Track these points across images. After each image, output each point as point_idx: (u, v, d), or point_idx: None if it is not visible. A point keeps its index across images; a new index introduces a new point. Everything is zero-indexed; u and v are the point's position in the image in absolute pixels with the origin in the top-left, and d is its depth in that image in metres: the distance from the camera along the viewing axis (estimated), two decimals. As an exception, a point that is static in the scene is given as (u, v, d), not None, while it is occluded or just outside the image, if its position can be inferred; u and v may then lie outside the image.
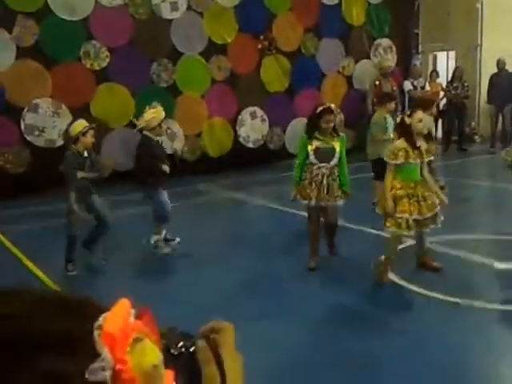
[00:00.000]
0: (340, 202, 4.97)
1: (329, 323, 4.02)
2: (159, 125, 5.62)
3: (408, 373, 3.27)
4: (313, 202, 4.87)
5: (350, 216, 5.91)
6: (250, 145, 10.72)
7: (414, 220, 4.50)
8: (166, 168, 5.53)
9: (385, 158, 4.69)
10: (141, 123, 5.64)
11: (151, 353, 0.56)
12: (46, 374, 0.49)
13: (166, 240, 5.78)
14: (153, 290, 4.54)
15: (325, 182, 4.83)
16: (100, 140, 8.98)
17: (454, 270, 4.90)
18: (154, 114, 5.59)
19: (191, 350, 0.68)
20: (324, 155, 4.86)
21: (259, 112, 10.73)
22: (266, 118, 10.81)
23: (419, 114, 4.66)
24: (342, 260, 5.19)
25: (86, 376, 0.50)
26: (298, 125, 10.89)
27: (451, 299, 4.26)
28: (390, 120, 7.38)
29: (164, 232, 5.77)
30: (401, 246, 5.44)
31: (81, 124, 5.18)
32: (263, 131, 10.84)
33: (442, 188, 4.81)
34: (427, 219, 4.58)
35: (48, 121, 8.68)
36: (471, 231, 5.82)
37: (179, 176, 5.75)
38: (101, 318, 0.54)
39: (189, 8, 9.84)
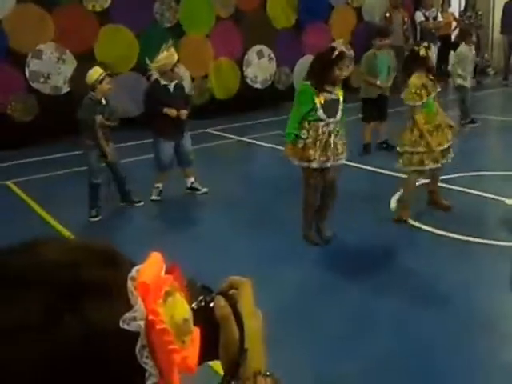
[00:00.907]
0: (343, 160, 4.36)
1: (337, 263, 4.08)
2: (171, 69, 5.46)
3: (419, 313, 3.34)
4: (315, 164, 4.19)
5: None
6: (258, 85, 10.55)
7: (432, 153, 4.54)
8: (168, 111, 5.35)
9: (406, 102, 4.59)
10: (152, 67, 5.52)
11: (182, 307, 0.58)
12: (89, 319, 0.50)
13: (191, 189, 5.79)
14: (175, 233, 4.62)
15: (331, 139, 4.17)
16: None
17: (465, 208, 4.91)
18: (166, 58, 5.47)
19: (211, 305, 0.68)
20: (331, 108, 4.17)
21: (266, 51, 10.49)
22: (274, 57, 10.58)
23: (415, 78, 4.57)
24: (348, 196, 5.18)
25: (120, 325, 0.51)
26: (307, 63, 10.68)
27: (463, 237, 4.29)
28: (381, 57, 7.13)
29: (191, 180, 5.77)
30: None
31: (96, 71, 5.15)
32: (271, 71, 10.64)
33: (450, 127, 4.73)
34: (444, 151, 4.61)
35: (53, 67, 8.56)
36: (482, 168, 5.78)
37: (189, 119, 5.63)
38: (134, 270, 0.55)
39: None
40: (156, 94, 5.48)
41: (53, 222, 5.16)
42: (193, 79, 9.59)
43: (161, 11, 9.39)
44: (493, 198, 5.06)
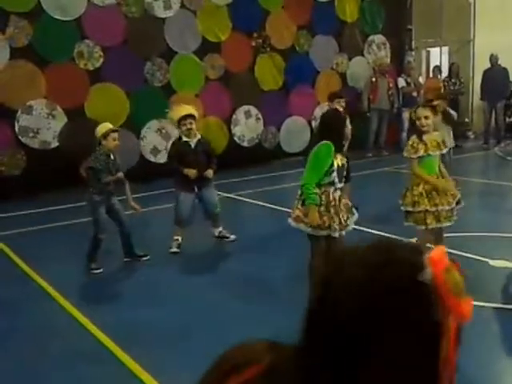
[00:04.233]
0: (351, 225, 4.08)
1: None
2: (179, 124, 5.58)
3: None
4: (336, 233, 3.91)
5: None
6: (245, 144, 10.74)
7: (444, 211, 4.62)
8: (188, 172, 5.49)
9: (405, 154, 4.72)
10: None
11: (459, 279, 0.80)
12: (410, 275, 0.76)
13: (220, 237, 5.88)
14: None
15: (340, 205, 3.98)
16: (94, 142, 9.00)
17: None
18: (173, 112, 5.65)
19: None
20: (340, 173, 3.98)
21: (254, 111, 10.75)
22: (261, 117, 10.83)
23: (422, 110, 4.69)
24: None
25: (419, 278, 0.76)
26: (293, 123, 10.93)
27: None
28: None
29: (219, 229, 5.88)
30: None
31: (104, 126, 5.23)
32: (258, 130, 10.86)
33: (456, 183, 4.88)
34: (448, 212, 4.68)
35: (43, 122, 8.66)
36: (465, 228, 5.85)
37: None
38: (427, 253, 0.78)
39: (182, 6, 9.83)
40: (177, 151, 5.57)
41: (37, 277, 5.09)
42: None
43: (151, 71, 9.63)
44: (477, 259, 5.12)
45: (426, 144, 4.62)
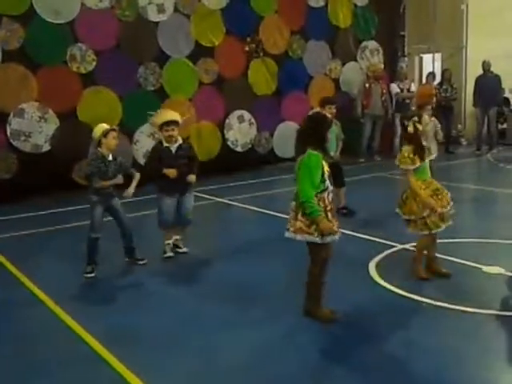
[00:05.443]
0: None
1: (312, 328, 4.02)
2: (161, 128, 5.54)
3: (392, 379, 3.28)
4: (337, 236, 3.94)
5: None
6: (238, 149, 10.72)
7: (442, 214, 4.66)
8: (167, 172, 5.45)
9: (400, 166, 4.71)
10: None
11: None
12: None
13: (174, 245, 5.79)
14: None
15: (334, 209, 3.98)
16: (87, 145, 8.95)
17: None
18: (156, 116, 5.61)
19: None
20: (329, 176, 3.96)
21: (247, 116, 10.74)
22: (254, 122, 10.82)
23: (426, 118, 4.75)
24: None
25: None
26: (286, 128, 10.92)
27: (439, 304, 4.28)
28: (333, 127, 7.06)
29: (174, 238, 5.78)
30: (385, 252, 5.49)
31: (102, 126, 5.20)
32: (251, 135, 10.85)
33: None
34: (449, 211, 4.74)
35: (34, 126, 8.60)
36: (458, 235, 5.85)
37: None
38: None
39: (176, 10, 9.82)
40: (157, 155, 5.55)
41: (27, 281, 5.04)
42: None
43: (145, 75, 9.60)
44: (470, 266, 5.11)
45: (420, 153, 4.63)
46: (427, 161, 4.77)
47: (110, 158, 5.21)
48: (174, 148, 5.57)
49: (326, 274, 4.08)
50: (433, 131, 6.78)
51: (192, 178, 5.62)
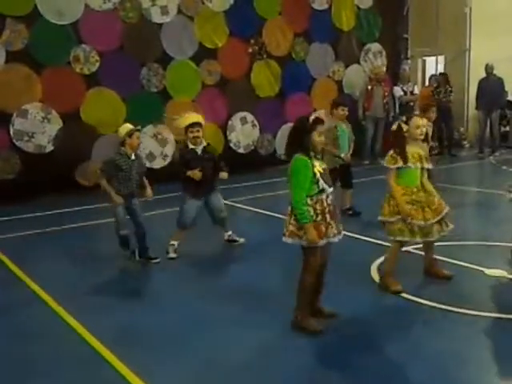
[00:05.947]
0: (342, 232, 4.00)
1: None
2: (186, 131, 5.66)
3: (393, 381, 3.28)
4: (336, 238, 3.90)
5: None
6: (241, 150, 10.73)
7: (419, 226, 4.52)
8: (191, 174, 5.56)
9: (384, 164, 4.67)
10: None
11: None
12: None
13: (230, 241, 6.03)
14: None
15: (335, 210, 3.93)
16: (90, 146, 8.98)
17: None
18: (180, 119, 5.76)
19: None
20: (326, 177, 3.88)
21: (250, 117, 10.75)
22: (257, 124, 10.83)
23: (417, 119, 4.64)
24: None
25: None
26: (288, 130, 10.89)
27: (441, 306, 4.28)
28: (342, 127, 7.08)
29: (228, 233, 6.04)
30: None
31: (127, 126, 5.40)
32: (254, 137, 10.86)
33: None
34: (433, 226, 4.57)
35: (38, 126, 8.62)
36: (460, 237, 5.85)
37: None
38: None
39: (179, 12, 9.85)
40: (184, 158, 5.69)
41: (30, 282, 5.05)
42: (177, 142, 9.72)
43: (148, 77, 9.62)
44: (472, 268, 5.10)
45: (405, 156, 4.52)
46: (415, 168, 4.57)
47: (133, 157, 5.40)
48: (199, 150, 5.70)
49: (320, 283, 4.02)
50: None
51: (224, 175, 5.79)
